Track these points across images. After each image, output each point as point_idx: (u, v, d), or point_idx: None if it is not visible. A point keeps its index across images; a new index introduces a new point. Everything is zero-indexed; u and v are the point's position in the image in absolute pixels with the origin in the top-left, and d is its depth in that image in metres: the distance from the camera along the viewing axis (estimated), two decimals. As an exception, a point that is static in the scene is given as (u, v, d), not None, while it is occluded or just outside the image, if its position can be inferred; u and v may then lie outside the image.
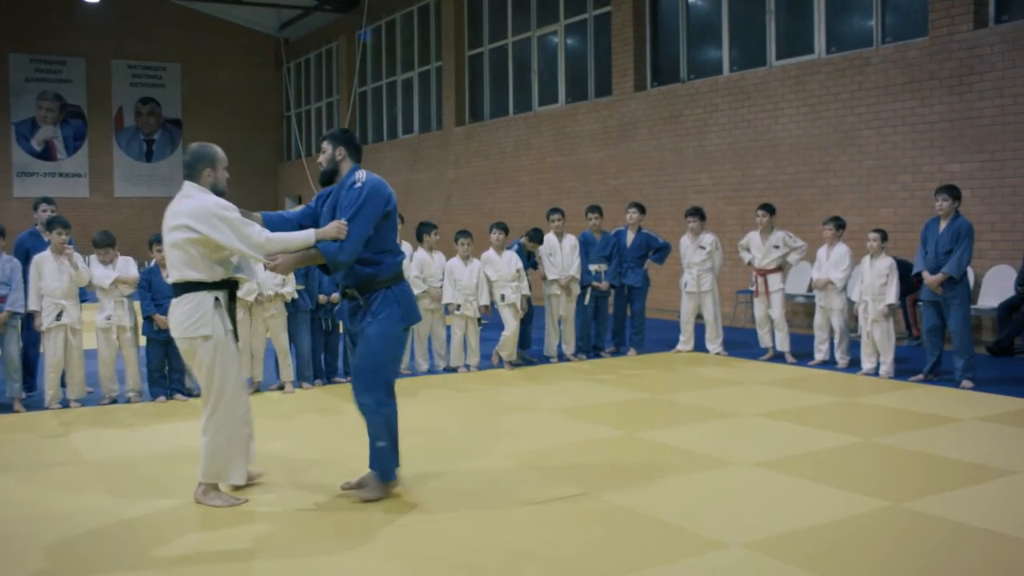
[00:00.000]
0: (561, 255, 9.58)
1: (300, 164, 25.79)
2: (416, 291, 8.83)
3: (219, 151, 4.89)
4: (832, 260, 8.88)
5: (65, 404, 7.43)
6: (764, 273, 9.40)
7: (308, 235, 4.73)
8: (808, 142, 12.08)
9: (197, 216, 4.59)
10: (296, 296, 8.01)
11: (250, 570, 3.95)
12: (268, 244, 4.64)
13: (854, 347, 8.89)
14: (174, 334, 4.77)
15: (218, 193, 4.78)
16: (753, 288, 9.62)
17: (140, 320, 7.68)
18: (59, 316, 7.27)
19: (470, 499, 4.85)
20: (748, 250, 9.58)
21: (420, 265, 8.89)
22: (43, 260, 7.27)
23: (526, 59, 17.67)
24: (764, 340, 9.54)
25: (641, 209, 10.09)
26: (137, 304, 7.67)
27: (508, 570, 3.88)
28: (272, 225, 4.90)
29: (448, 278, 8.90)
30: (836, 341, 8.95)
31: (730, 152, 13.18)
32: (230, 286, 4.82)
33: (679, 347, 10.08)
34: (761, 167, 12.72)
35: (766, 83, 12.64)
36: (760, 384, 8.15)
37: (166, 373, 7.66)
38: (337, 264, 4.71)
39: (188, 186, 4.78)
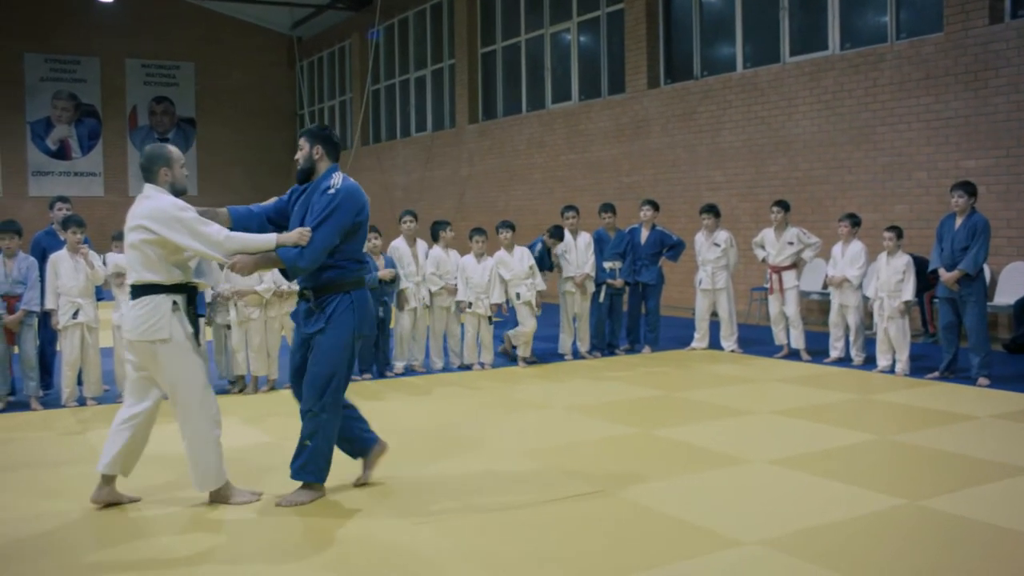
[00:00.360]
0: (576, 253, 9.58)
1: (313, 162, 25.82)
2: (433, 288, 8.86)
3: (174, 150, 4.84)
4: (847, 257, 8.85)
5: (82, 402, 7.48)
6: (779, 270, 9.38)
7: (270, 238, 4.66)
8: (822, 139, 12.03)
9: (153, 217, 4.57)
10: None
11: (254, 572, 3.97)
12: (227, 243, 4.57)
13: (869, 344, 8.85)
14: (129, 337, 4.67)
15: (177, 192, 4.76)
16: (768, 285, 9.60)
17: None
18: (76, 314, 7.32)
19: (483, 497, 4.85)
20: (762, 247, 9.56)
21: (436, 262, 8.91)
22: (59, 259, 7.32)
23: (539, 56, 17.66)
24: (779, 337, 9.52)
25: (655, 206, 10.10)
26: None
27: (522, 568, 3.87)
28: (239, 219, 4.84)
29: (461, 275, 8.91)
30: (851, 338, 8.91)
31: (744, 149, 13.14)
32: (188, 291, 4.74)
33: (694, 344, 10.06)
34: (775, 164, 12.68)
35: (780, 80, 12.59)
36: (775, 381, 8.13)
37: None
38: (296, 270, 4.68)
39: (147, 188, 4.76)
